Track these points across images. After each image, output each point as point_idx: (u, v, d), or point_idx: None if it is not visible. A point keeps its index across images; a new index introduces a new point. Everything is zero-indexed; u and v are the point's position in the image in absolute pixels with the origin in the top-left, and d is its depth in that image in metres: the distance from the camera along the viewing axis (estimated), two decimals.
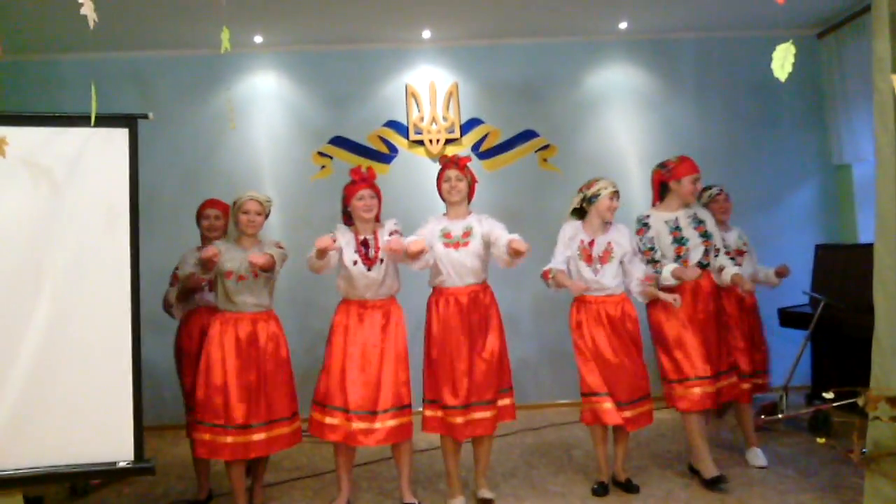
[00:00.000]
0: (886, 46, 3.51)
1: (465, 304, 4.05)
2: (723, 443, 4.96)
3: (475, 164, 6.18)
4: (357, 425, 3.93)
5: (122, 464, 3.57)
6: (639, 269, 4.21)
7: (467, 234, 4.08)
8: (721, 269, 4.29)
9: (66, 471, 3.55)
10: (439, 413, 4.04)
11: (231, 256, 4.02)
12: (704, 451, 4.22)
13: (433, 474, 4.63)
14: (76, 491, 4.56)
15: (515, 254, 3.90)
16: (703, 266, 4.26)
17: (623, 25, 6.15)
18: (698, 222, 4.31)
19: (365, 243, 4.07)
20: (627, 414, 4.09)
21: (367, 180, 4.10)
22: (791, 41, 2.97)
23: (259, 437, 3.92)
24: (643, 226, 4.33)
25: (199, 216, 4.41)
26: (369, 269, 4.02)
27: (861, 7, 5.78)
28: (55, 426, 3.50)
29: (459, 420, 3.98)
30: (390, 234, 4.08)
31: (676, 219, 4.30)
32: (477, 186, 4.27)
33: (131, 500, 4.45)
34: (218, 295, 4.06)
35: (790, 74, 2.92)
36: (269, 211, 4.19)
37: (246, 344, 3.97)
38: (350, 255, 4.02)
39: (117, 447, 3.57)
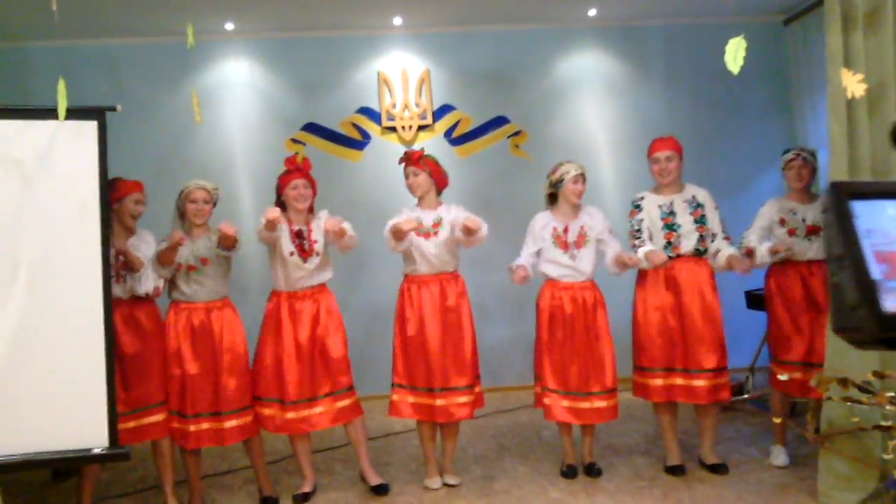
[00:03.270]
0: (838, 41, 3.62)
1: (436, 292, 4.16)
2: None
3: (448, 151, 6.24)
4: (293, 414, 4.05)
5: (96, 450, 3.62)
6: (614, 247, 4.25)
7: (437, 224, 4.18)
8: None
9: (42, 458, 3.60)
10: (410, 398, 4.15)
11: (182, 248, 4.02)
12: (669, 439, 4.32)
13: (406, 456, 4.72)
14: (58, 474, 4.62)
15: (468, 232, 4.00)
16: (699, 253, 4.22)
17: (592, 12, 6.20)
18: (695, 206, 4.24)
19: (299, 234, 4.12)
20: (585, 405, 4.18)
21: (302, 170, 4.16)
22: (743, 35, 3.07)
23: (230, 424, 4.00)
24: (635, 207, 4.31)
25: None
26: (305, 261, 4.08)
27: None
28: (30, 415, 3.54)
29: (439, 402, 4.10)
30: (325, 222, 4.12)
31: (671, 203, 4.24)
32: (448, 172, 4.34)
33: (109, 485, 4.51)
34: (170, 285, 4.09)
35: (749, 61, 3.03)
36: (217, 199, 4.19)
37: (201, 333, 4.02)
38: (287, 245, 4.07)
39: (92, 434, 3.62)
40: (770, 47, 6.40)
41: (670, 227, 4.22)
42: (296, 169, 4.16)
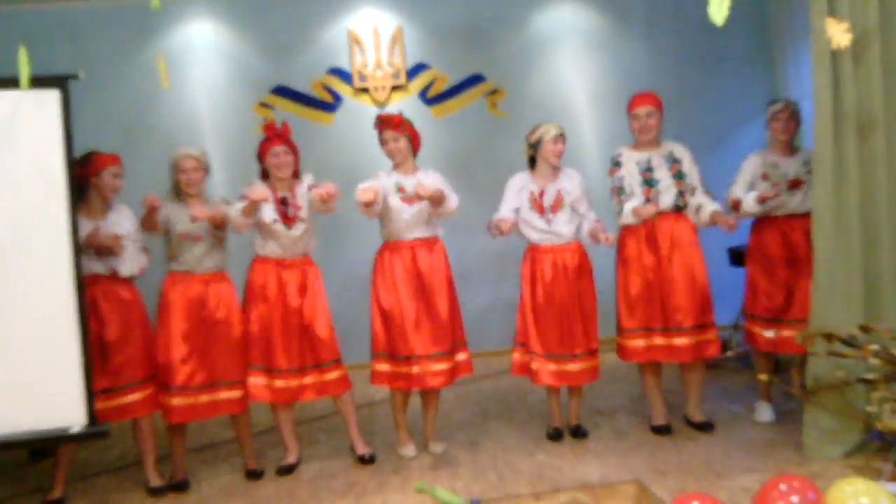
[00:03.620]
0: None
1: (414, 257, 4.08)
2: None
3: (423, 111, 6.11)
4: (281, 383, 4.01)
5: (74, 429, 3.56)
6: (589, 220, 4.19)
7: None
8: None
9: (19, 438, 3.55)
10: (387, 366, 4.09)
11: (179, 219, 3.94)
12: (655, 399, 4.30)
13: (390, 425, 4.67)
14: (36, 454, 4.54)
15: (433, 202, 3.95)
16: (678, 209, 4.17)
17: None
18: (673, 161, 4.19)
19: (283, 201, 4.02)
20: (572, 367, 4.15)
21: (282, 136, 4.05)
22: None
23: (205, 398, 3.94)
24: (615, 164, 4.25)
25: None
26: (289, 228, 4.00)
27: None
28: (5, 395, 3.47)
29: (415, 370, 4.03)
30: (308, 188, 4.04)
31: (649, 159, 4.18)
32: (424, 133, 4.24)
33: (89, 464, 4.44)
34: (168, 256, 4.01)
35: (732, 12, 2.92)
36: (208, 165, 4.09)
37: (197, 306, 3.94)
38: (269, 213, 3.98)
39: (70, 413, 3.55)
40: None
41: (648, 182, 4.17)
42: (275, 135, 4.04)
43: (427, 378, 4.05)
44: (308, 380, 4.05)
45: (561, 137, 4.15)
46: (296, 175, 4.11)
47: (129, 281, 3.94)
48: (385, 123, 4.12)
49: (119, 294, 3.89)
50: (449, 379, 4.12)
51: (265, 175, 4.08)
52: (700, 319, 4.14)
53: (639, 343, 4.18)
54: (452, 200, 4.09)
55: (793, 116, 4.21)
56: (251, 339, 4.02)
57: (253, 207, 3.86)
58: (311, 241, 4.14)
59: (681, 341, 4.11)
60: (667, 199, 4.15)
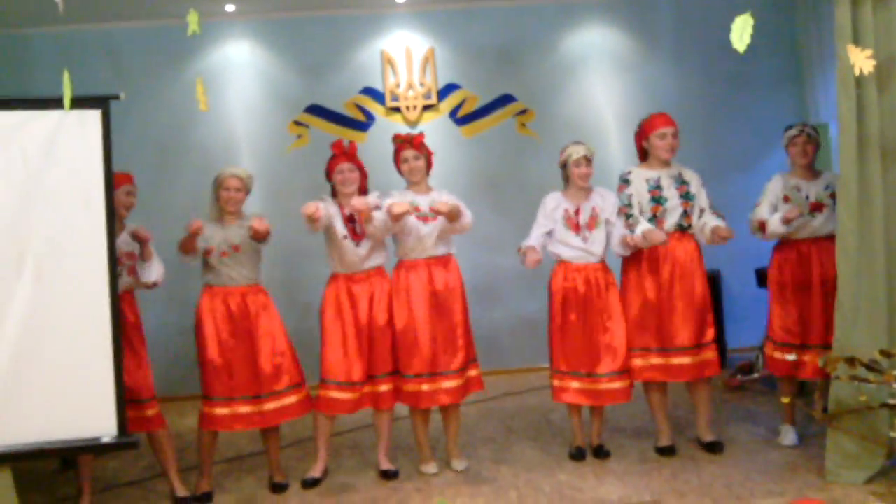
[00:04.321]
0: (847, 14, 3.56)
1: (430, 275, 4.16)
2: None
3: (453, 130, 6.21)
4: (349, 395, 4.10)
5: (105, 439, 3.65)
6: (619, 228, 4.22)
7: (434, 208, 4.14)
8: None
9: (52, 447, 3.64)
10: (396, 385, 4.20)
11: (210, 234, 4.04)
12: (659, 420, 4.32)
13: (413, 441, 4.72)
14: (67, 463, 4.65)
15: (450, 218, 4.03)
16: (682, 229, 4.21)
17: None
18: (681, 182, 4.23)
19: (351, 218, 4.13)
20: (594, 387, 4.17)
21: (348, 154, 4.15)
22: (749, 12, 3.01)
23: (270, 406, 4.04)
24: (624, 182, 4.29)
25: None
26: (357, 245, 4.10)
27: None
28: (40, 403, 3.56)
29: (425, 388, 4.12)
30: (375, 207, 4.11)
31: (658, 178, 4.23)
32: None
33: (116, 473, 4.55)
34: (204, 270, 4.12)
35: (760, 34, 2.94)
36: (251, 187, 4.21)
37: (239, 317, 4.05)
38: (340, 228, 4.10)
39: (101, 423, 3.64)
40: (781, 19, 6.30)
41: (657, 200, 4.21)
42: (341, 153, 4.18)
43: (439, 395, 4.12)
44: (384, 387, 4.17)
45: (584, 160, 4.20)
46: (363, 192, 4.21)
47: (128, 297, 4.01)
48: (407, 143, 4.20)
49: (122, 311, 3.94)
50: (461, 395, 4.20)
51: (335, 192, 4.20)
52: (699, 339, 4.17)
53: (637, 363, 4.21)
54: (467, 216, 4.16)
55: (809, 140, 4.23)
56: (330, 354, 4.12)
57: (312, 221, 3.94)
58: (379, 257, 4.23)
59: (679, 361, 4.15)
60: (672, 218, 4.19)
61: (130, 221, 4.10)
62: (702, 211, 4.23)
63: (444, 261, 4.22)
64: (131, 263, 4.02)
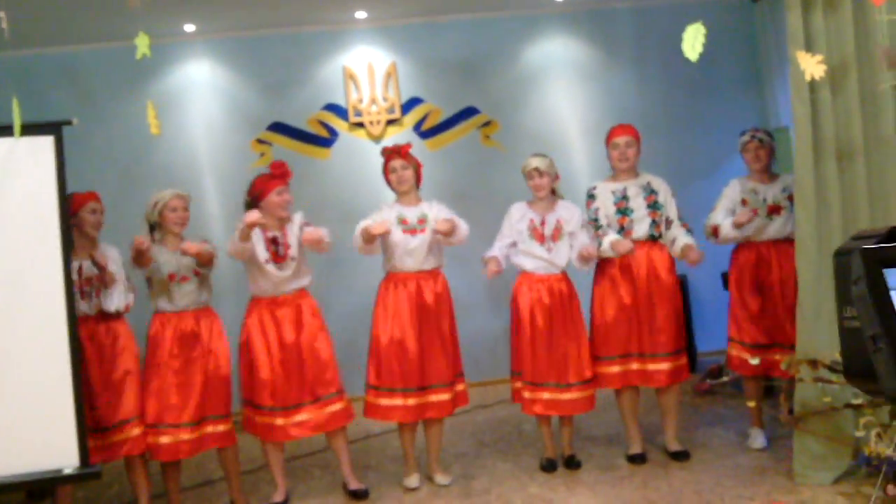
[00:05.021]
0: (798, 20, 3.61)
1: (418, 289, 4.13)
2: None
3: (418, 144, 6.18)
4: (281, 421, 4.01)
5: (67, 470, 3.58)
6: (583, 240, 4.23)
7: (422, 220, 4.14)
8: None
9: (12, 480, 3.57)
10: (384, 400, 4.11)
11: (167, 259, 3.98)
12: (630, 427, 4.32)
13: (384, 458, 4.70)
14: (33, 495, 4.56)
15: (444, 234, 4.01)
16: (653, 238, 4.22)
17: None
18: (650, 192, 4.24)
19: (274, 241, 4.06)
20: (567, 396, 4.17)
21: (287, 175, 4.10)
22: (700, 22, 3.04)
23: (187, 437, 3.96)
24: (589, 197, 4.31)
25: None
26: (280, 268, 4.03)
27: None
28: None
29: (411, 402, 4.07)
30: (300, 227, 4.09)
31: (624, 189, 4.24)
32: (422, 167, 4.31)
33: (87, 503, 4.47)
34: (155, 296, 4.04)
35: (719, 41, 2.96)
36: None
37: (191, 340, 3.99)
38: (262, 252, 4.01)
39: (62, 454, 3.57)
40: (740, 26, 6.38)
41: (623, 211, 4.22)
42: (282, 174, 4.08)
43: (428, 409, 4.09)
44: (305, 415, 4.04)
45: (536, 171, 4.19)
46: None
47: (117, 318, 3.98)
48: (394, 153, 4.17)
49: (107, 332, 3.93)
50: (450, 409, 4.18)
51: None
52: (676, 345, 4.19)
53: (614, 370, 4.21)
54: (463, 228, 4.13)
55: (762, 145, 4.28)
56: (253, 377, 4.02)
57: (247, 232, 3.86)
58: (304, 278, 4.16)
59: (656, 367, 4.17)
60: (641, 228, 4.20)
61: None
62: (669, 222, 4.23)
63: (433, 274, 4.19)
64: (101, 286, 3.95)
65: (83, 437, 3.59)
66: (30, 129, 3.54)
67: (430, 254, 4.17)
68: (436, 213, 4.16)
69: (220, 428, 4.03)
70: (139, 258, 3.90)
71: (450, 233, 4.02)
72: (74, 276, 3.76)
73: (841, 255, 2.36)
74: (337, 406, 4.10)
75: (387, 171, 4.21)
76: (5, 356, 3.53)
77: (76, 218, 3.91)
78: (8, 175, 3.58)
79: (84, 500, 4.49)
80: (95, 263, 3.90)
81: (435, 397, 4.11)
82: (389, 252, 4.16)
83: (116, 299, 3.93)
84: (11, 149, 3.58)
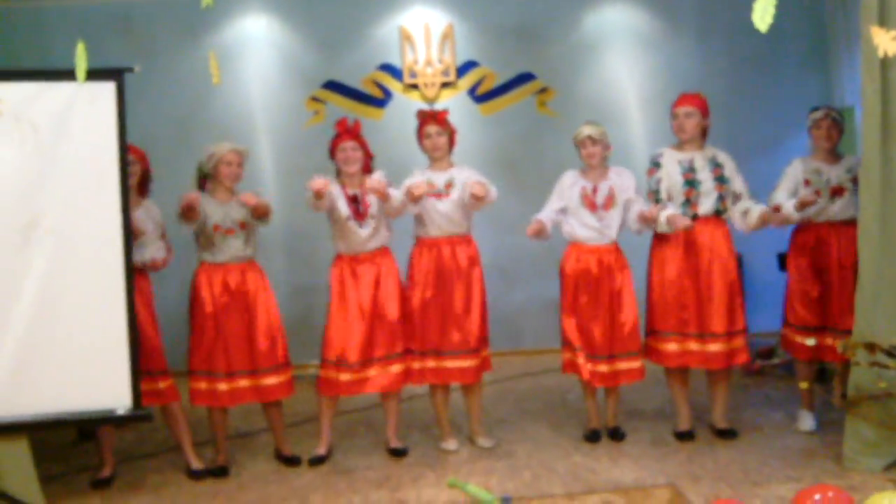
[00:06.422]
0: None
1: (447, 254, 4.13)
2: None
3: (471, 108, 6.15)
4: (348, 376, 4.05)
5: (120, 411, 3.69)
6: (640, 205, 4.15)
7: (449, 185, 4.13)
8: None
9: (67, 418, 3.72)
10: (416, 363, 4.16)
11: (213, 210, 4.01)
12: (680, 405, 4.26)
13: (429, 419, 4.72)
14: (84, 434, 4.68)
15: (475, 198, 3.97)
16: (718, 213, 4.12)
17: None
18: (715, 165, 4.11)
19: (354, 199, 4.08)
20: (607, 368, 4.14)
21: (352, 132, 4.09)
22: None
23: (247, 383, 4.02)
24: (654, 165, 4.19)
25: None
26: (360, 226, 4.06)
27: None
28: (55, 375, 3.62)
29: (436, 365, 4.12)
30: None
31: (692, 159, 4.12)
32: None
33: (132, 445, 4.59)
34: (201, 247, 4.07)
35: (786, 15, 2.86)
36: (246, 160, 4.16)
37: (237, 293, 4.03)
38: (343, 209, 4.05)
39: (115, 395, 3.69)
40: (808, 1, 6.16)
41: (690, 183, 4.10)
42: (345, 131, 4.10)
43: (453, 373, 4.12)
44: (374, 371, 4.09)
45: (589, 140, 4.11)
46: (366, 172, 4.14)
47: (140, 272, 3.96)
48: (430, 118, 4.15)
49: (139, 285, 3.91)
50: (476, 375, 4.18)
51: (338, 173, 4.15)
52: (733, 326, 4.10)
53: (671, 347, 4.14)
54: (493, 192, 4.10)
55: (834, 124, 4.14)
56: (334, 333, 4.08)
57: (319, 197, 3.88)
58: (385, 236, 4.19)
59: (714, 348, 4.08)
60: (707, 202, 4.10)
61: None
62: (737, 196, 4.13)
63: (463, 240, 4.19)
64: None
65: (136, 379, 3.69)
66: (92, 74, 3.52)
67: (457, 219, 4.15)
68: (466, 177, 4.12)
69: (280, 379, 4.07)
70: (188, 212, 3.92)
71: (483, 196, 3.98)
72: None
73: None
74: (398, 367, 4.13)
75: (421, 135, 4.19)
76: (63, 299, 3.62)
77: None
78: (70, 119, 3.64)
79: (133, 443, 4.60)
80: None
81: (461, 363, 4.12)
82: (419, 217, 4.16)
83: (143, 252, 3.93)
84: (74, 94, 3.63)
